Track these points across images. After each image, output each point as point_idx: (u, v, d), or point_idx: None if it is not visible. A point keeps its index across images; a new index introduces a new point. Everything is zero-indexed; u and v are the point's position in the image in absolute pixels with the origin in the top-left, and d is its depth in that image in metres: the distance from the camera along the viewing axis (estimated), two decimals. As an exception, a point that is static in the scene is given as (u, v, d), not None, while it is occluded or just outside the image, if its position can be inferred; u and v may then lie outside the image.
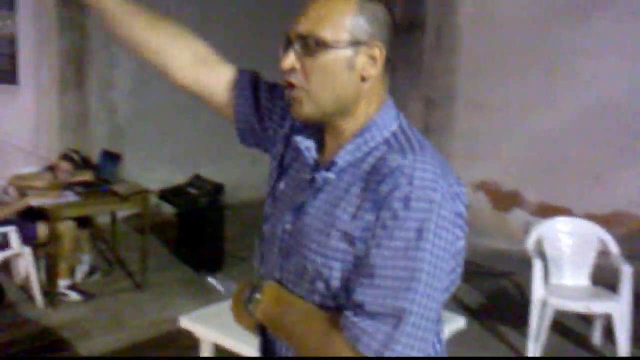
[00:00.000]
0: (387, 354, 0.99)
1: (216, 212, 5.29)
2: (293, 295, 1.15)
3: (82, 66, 6.60)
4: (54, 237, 4.26)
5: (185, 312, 4.39)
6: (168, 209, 6.32)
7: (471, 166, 6.81)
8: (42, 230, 4.33)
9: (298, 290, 1.14)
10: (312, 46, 1.09)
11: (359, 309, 1.01)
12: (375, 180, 1.04)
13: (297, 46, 1.11)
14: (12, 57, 7.45)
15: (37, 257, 4.48)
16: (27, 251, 4.28)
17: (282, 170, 1.26)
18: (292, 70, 1.12)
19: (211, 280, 1.47)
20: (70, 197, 4.44)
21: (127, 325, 4.16)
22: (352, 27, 1.08)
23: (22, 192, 4.55)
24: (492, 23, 6.58)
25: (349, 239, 1.05)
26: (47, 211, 4.22)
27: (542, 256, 3.92)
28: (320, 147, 1.20)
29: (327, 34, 1.08)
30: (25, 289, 4.56)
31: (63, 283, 4.43)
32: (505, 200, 6.57)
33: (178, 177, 6.36)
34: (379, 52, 1.11)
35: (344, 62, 1.09)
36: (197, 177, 5.62)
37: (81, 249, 4.83)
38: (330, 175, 1.11)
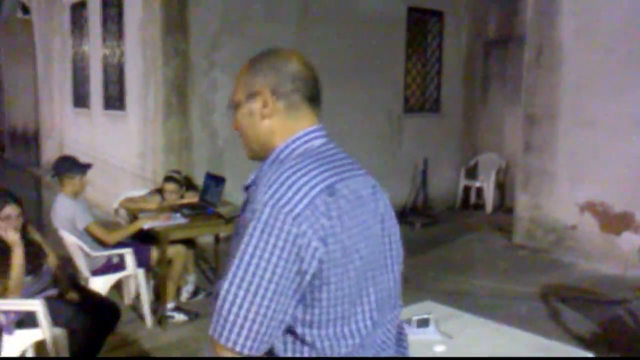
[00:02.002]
0: (222, 339, 1.19)
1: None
2: None
3: (185, 92, 6.89)
4: (165, 260, 4.42)
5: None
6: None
7: (576, 186, 6.51)
8: (154, 253, 4.50)
9: None
10: (233, 108, 1.42)
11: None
12: (249, 202, 1.27)
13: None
14: (121, 85, 7.89)
15: (146, 279, 4.65)
16: (141, 273, 4.46)
17: None
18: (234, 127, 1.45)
19: None
20: (178, 219, 4.60)
21: (232, 346, 4.22)
22: (246, 85, 1.38)
23: (133, 214, 4.77)
24: (597, 36, 6.29)
25: None
26: (157, 233, 4.39)
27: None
28: None
29: (235, 97, 1.41)
30: (134, 308, 4.76)
31: (170, 305, 4.58)
32: (614, 222, 6.21)
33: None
34: (268, 96, 1.36)
35: (246, 113, 1.39)
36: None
37: (187, 270, 4.98)
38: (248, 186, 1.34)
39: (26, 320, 3.34)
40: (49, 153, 10.27)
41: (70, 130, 9.74)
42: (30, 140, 11.40)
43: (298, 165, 1.26)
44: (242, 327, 1.18)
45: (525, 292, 5.36)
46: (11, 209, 3.33)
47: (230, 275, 1.20)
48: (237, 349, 1.19)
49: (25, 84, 11.35)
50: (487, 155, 9.23)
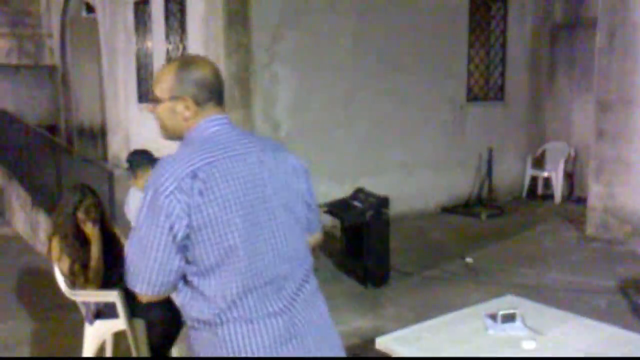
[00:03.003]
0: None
1: (381, 225, 5.24)
2: None
3: (247, 85, 6.91)
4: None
5: (354, 327, 4.41)
6: (327, 221, 6.39)
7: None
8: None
9: None
10: (156, 100, 1.79)
11: None
12: None
13: (153, 99, 1.81)
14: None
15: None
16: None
17: None
18: (151, 111, 1.83)
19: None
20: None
21: (302, 338, 4.21)
22: (170, 89, 1.76)
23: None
24: (677, 16, 5.95)
25: None
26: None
27: None
28: None
29: (159, 93, 1.78)
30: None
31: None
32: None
33: (336, 190, 6.42)
34: (190, 103, 1.75)
35: (167, 108, 1.77)
36: (360, 190, 5.61)
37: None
38: None
39: (106, 311, 3.41)
40: (115, 148, 10.53)
41: (135, 125, 9.95)
42: (96, 135, 11.72)
43: (176, 155, 1.68)
44: (141, 276, 1.62)
45: (603, 285, 5.14)
46: (90, 202, 3.40)
47: (129, 241, 1.66)
48: (142, 292, 1.64)
49: (91, 81, 11.66)
50: (554, 144, 8.91)
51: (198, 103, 1.74)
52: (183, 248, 1.60)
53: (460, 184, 8.40)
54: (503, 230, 7.17)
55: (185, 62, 1.81)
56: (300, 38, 7.14)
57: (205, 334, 1.64)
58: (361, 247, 5.26)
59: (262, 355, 1.60)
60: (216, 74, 1.80)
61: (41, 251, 7.06)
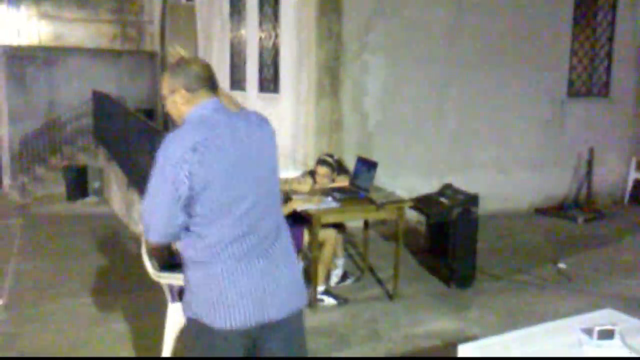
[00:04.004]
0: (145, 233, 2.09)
1: (469, 223, 5.04)
2: None
3: (337, 74, 6.85)
4: (317, 243, 4.40)
5: (436, 328, 4.27)
6: (411, 217, 6.24)
7: None
8: (306, 235, 4.50)
9: None
10: (163, 99, 2.19)
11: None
12: None
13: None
14: (275, 67, 8.05)
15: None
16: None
17: None
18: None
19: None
20: (330, 203, 4.56)
21: (382, 335, 4.12)
22: (168, 85, 2.15)
23: (286, 196, 4.80)
24: None
25: None
26: (311, 216, 4.38)
27: None
28: None
29: (162, 91, 2.18)
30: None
31: (319, 288, 4.56)
32: None
33: (422, 185, 6.25)
34: (184, 92, 2.12)
35: (170, 102, 2.16)
36: (448, 187, 5.42)
37: (336, 254, 4.95)
38: None
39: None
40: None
41: (226, 111, 10.14)
42: (190, 120, 12.10)
43: (180, 131, 2.05)
44: (154, 228, 2.03)
45: None
46: None
47: (144, 202, 2.06)
48: (154, 240, 2.06)
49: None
50: (663, 146, 8.27)
51: (190, 91, 2.10)
52: (186, 206, 1.98)
53: (557, 184, 7.97)
54: (601, 236, 6.73)
55: (176, 63, 2.18)
56: (392, 28, 6.99)
57: (199, 273, 2.02)
58: (447, 246, 5.08)
59: (246, 287, 2.00)
60: (203, 65, 2.18)
61: (134, 230, 7.36)
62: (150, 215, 2.02)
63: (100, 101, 11.26)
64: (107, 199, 10.16)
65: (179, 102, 2.12)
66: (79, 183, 10.72)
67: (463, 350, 2.33)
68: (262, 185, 2.08)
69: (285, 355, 2.12)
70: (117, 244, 6.74)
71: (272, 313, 2.03)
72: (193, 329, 2.06)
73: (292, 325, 2.12)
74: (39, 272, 5.82)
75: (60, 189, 10.64)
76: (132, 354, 3.87)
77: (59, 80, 13.07)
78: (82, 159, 12.17)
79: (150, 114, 12.31)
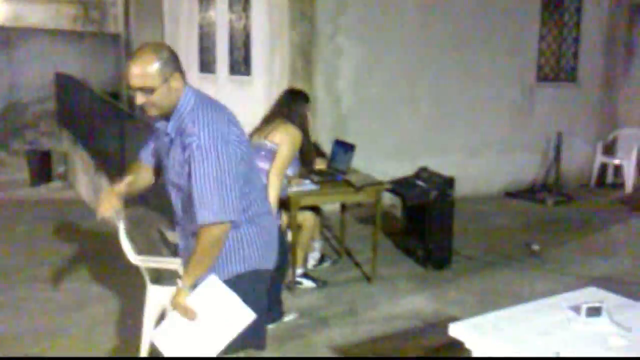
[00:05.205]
0: (219, 218, 2.09)
1: (445, 206, 5.07)
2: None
3: (310, 57, 6.78)
4: (295, 226, 4.36)
5: (415, 308, 4.29)
6: (386, 200, 6.25)
7: None
8: (284, 218, 4.45)
9: (180, 198, 2.28)
10: (148, 91, 2.11)
11: (196, 208, 2.10)
12: (185, 140, 2.11)
13: (140, 92, 2.11)
14: (246, 50, 7.93)
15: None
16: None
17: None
18: (143, 103, 2.13)
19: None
20: (308, 185, 4.52)
21: (361, 317, 4.13)
22: (160, 74, 2.09)
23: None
24: None
25: (187, 186, 2.17)
26: (288, 198, 4.33)
27: None
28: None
29: (149, 83, 2.09)
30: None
31: (298, 271, 4.53)
32: None
33: (395, 169, 6.25)
34: (178, 77, 2.14)
35: (165, 90, 2.12)
36: (424, 170, 5.44)
37: (313, 236, 4.92)
38: (171, 133, 2.19)
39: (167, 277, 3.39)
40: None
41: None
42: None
43: (209, 110, 2.13)
44: (228, 206, 2.08)
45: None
46: None
47: (209, 180, 2.06)
48: (232, 218, 2.11)
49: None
50: (628, 130, 8.45)
51: (182, 73, 2.16)
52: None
53: (526, 168, 8.09)
54: (570, 218, 6.87)
55: (155, 48, 2.13)
56: (366, 11, 6.94)
57: (252, 229, 2.26)
58: (423, 228, 5.11)
59: (269, 234, 2.34)
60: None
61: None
62: (220, 196, 2.06)
63: (64, 84, 10.95)
64: (72, 183, 9.91)
65: (174, 87, 2.12)
66: (42, 168, 10.41)
67: (454, 329, 2.33)
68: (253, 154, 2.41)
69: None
70: (85, 229, 6.57)
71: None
72: (248, 280, 2.25)
73: None
74: (6, 257, 5.64)
75: (23, 174, 10.32)
76: (112, 339, 3.78)
77: (20, 62, 12.66)
78: (45, 143, 11.85)
79: (115, 96, 12.03)
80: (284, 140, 3.77)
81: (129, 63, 2.13)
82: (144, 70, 2.07)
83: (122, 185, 2.41)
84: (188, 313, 2.11)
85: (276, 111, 4.00)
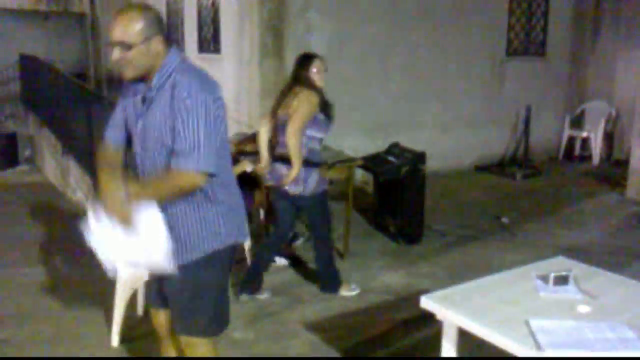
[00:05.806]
0: (201, 167, 2.07)
1: (417, 181, 5.09)
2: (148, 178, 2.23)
3: (280, 33, 6.70)
4: (267, 204, 4.34)
5: (387, 283, 4.32)
6: (358, 176, 6.25)
7: None
8: (257, 196, 4.43)
9: (154, 164, 2.20)
10: (126, 47, 2.08)
11: (176, 157, 2.07)
12: (174, 92, 2.08)
13: (118, 47, 2.09)
14: (215, 27, 7.80)
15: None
16: (243, 215, 4.40)
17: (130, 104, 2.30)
18: (118, 59, 2.10)
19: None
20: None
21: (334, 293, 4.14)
22: (142, 31, 2.08)
23: (235, 157, 4.69)
24: None
25: (169, 142, 2.12)
26: (259, 177, 4.30)
27: None
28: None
29: (130, 39, 2.07)
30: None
31: (272, 247, 4.52)
32: None
33: (367, 145, 6.25)
34: (160, 40, 2.13)
35: (143, 50, 2.09)
36: (395, 145, 5.44)
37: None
38: (154, 88, 2.16)
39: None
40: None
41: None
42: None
43: (201, 76, 2.14)
44: (205, 159, 2.06)
45: (646, 249, 4.96)
46: None
47: (197, 131, 2.05)
48: (208, 169, 2.08)
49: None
50: (595, 103, 8.58)
51: (165, 37, 2.15)
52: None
53: (495, 142, 8.17)
54: (539, 191, 6.97)
55: (143, 7, 2.13)
56: (336, -15, 6.88)
57: (223, 207, 2.24)
58: (395, 204, 5.13)
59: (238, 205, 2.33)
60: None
61: (71, 197, 7.08)
62: (207, 148, 2.05)
63: (29, 65, 10.67)
64: (39, 167, 9.73)
65: (154, 49, 2.10)
66: (8, 152, 10.21)
67: (425, 301, 2.35)
68: None
69: None
70: (54, 213, 6.47)
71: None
72: (225, 256, 2.28)
73: None
74: (-28, 243, 5.52)
75: (-12, 158, 10.10)
76: (85, 322, 3.73)
77: (-19, 43, 12.30)
78: (10, 126, 11.58)
79: (82, 77, 11.78)
80: (301, 101, 3.80)
81: (114, 16, 2.12)
82: (127, 25, 2.06)
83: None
84: (125, 221, 2.04)
85: (290, 82, 4.01)
